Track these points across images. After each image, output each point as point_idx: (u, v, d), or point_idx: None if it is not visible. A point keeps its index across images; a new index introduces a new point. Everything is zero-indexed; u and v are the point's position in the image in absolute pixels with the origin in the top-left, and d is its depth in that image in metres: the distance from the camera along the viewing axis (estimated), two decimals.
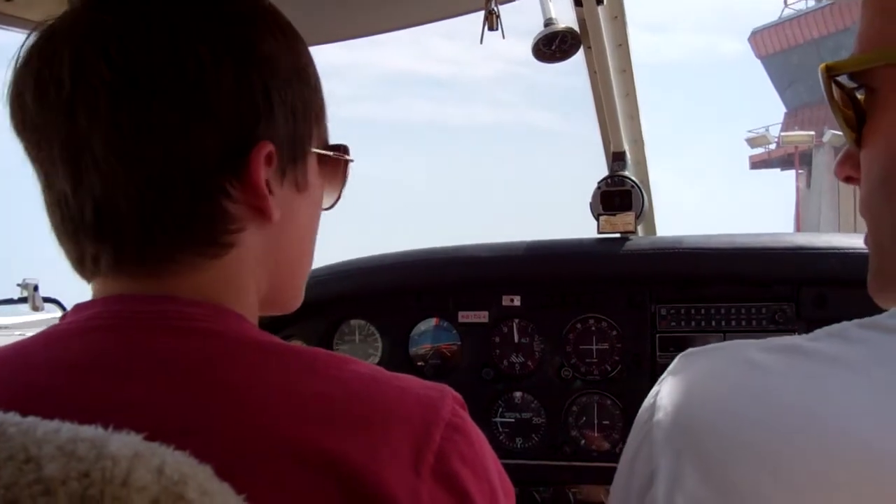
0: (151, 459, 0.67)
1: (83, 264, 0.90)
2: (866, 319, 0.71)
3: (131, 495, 0.64)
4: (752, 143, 35.65)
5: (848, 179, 0.87)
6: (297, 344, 0.93)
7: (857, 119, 0.83)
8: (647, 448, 0.75)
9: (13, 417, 0.69)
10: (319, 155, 1.02)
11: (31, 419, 0.69)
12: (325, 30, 1.73)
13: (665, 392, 0.75)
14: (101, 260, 0.88)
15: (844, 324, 0.72)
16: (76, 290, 0.97)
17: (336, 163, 1.07)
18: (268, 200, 0.91)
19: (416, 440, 0.82)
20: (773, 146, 34.87)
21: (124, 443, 0.67)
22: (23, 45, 0.90)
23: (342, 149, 1.07)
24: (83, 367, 0.83)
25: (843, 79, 0.83)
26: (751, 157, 36.82)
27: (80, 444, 0.66)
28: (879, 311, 0.75)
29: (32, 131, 0.87)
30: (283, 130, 0.92)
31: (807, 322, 2.04)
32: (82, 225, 0.87)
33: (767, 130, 35.67)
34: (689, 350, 0.80)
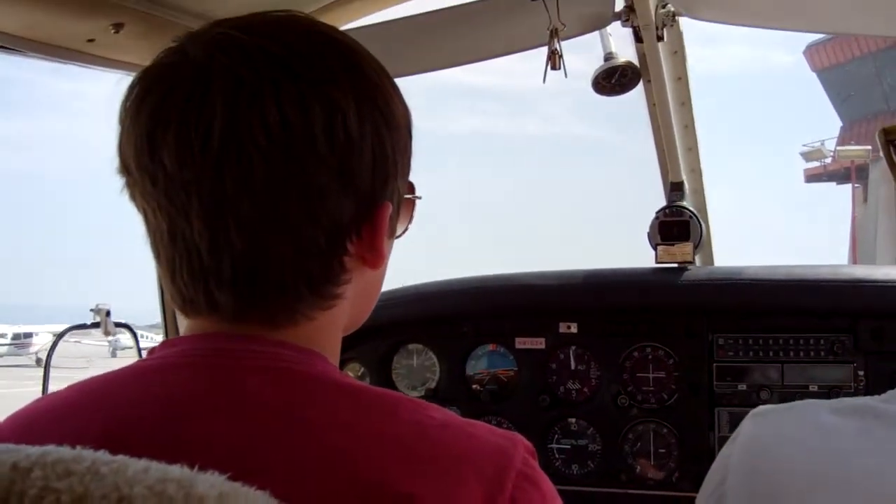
0: (237, 500, 0.69)
1: (194, 305, 0.91)
2: None
3: None
4: (808, 156, 35.14)
5: None
6: (352, 367, 0.94)
7: None
8: None
9: (104, 456, 0.71)
10: (405, 199, 1.03)
11: (121, 458, 0.71)
12: (404, 63, 1.76)
13: (737, 456, 0.76)
14: (223, 307, 0.90)
15: None
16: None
17: (409, 204, 1.08)
18: (383, 255, 0.95)
19: (489, 487, 0.83)
20: (828, 160, 34.35)
21: (210, 483, 0.70)
22: (135, 88, 0.89)
23: (412, 188, 1.08)
24: (171, 403, 0.85)
25: None
26: (805, 171, 36.29)
27: (169, 485, 0.68)
28: None
29: (164, 184, 0.86)
30: (399, 188, 0.96)
31: (864, 354, 2.03)
32: (217, 277, 0.88)
33: (823, 144, 35.11)
34: (758, 410, 0.80)
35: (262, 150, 0.83)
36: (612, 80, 1.95)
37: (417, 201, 1.10)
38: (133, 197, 0.92)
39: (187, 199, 0.85)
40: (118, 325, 2.33)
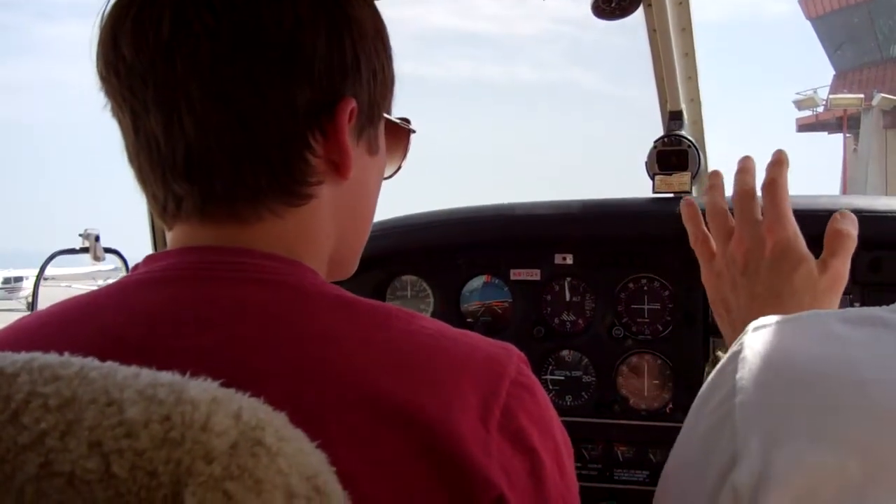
0: (229, 405, 0.68)
1: (166, 208, 0.93)
2: None
3: (212, 440, 0.65)
4: (800, 105, 35.12)
5: None
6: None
7: None
8: (729, 429, 0.73)
9: (93, 362, 0.70)
10: (388, 122, 1.06)
11: (110, 364, 0.71)
12: None
13: (746, 371, 0.73)
14: (185, 203, 0.91)
15: None
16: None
17: (401, 132, 1.11)
18: (348, 156, 0.94)
19: (484, 395, 0.83)
20: (820, 109, 34.35)
21: (202, 388, 0.69)
22: None
23: (406, 120, 1.11)
24: (159, 317, 0.85)
25: None
26: (798, 120, 36.30)
27: (160, 389, 0.68)
28: None
29: (126, 75, 0.88)
30: (365, 91, 0.96)
31: (861, 286, 2.01)
32: (172, 167, 0.89)
33: (815, 93, 35.09)
34: (759, 322, 0.77)
35: (208, 30, 0.85)
36: (613, 2, 1.90)
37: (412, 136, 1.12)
38: (108, 102, 0.93)
39: (144, 86, 0.87)
40: (107, 250, 2.31)
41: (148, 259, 0.94)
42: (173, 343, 0.82)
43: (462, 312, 2.33)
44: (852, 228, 1.29)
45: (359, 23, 0.94)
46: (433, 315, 2.33)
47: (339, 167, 0.95)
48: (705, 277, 1.44)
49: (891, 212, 1.96)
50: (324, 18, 0.91)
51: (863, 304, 1.98)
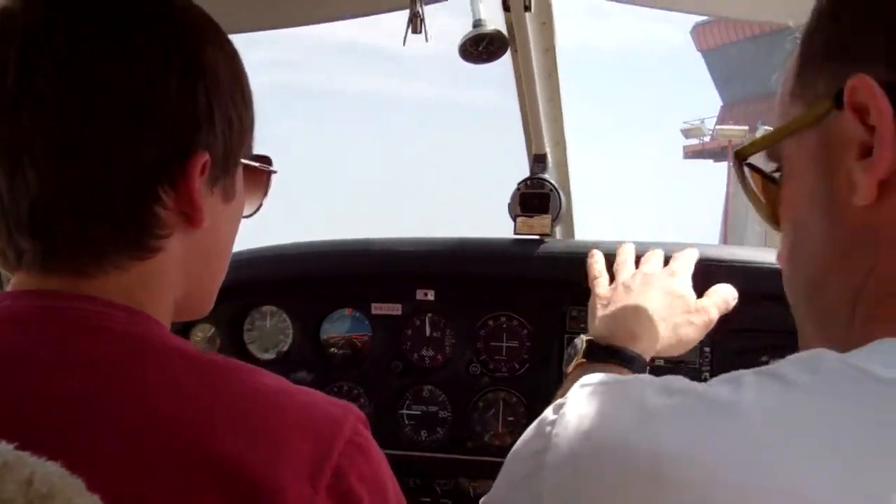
0: (21, 471, 0.66)
1: (7, 259, 0.90)
2: (764, 368, 0.72)
3: None
4: (688, 133, 36.16)
5: None
6: (210, 351, 0.94)
7: (769, 201, 0.89)
8: (535, 483, 0.75)
9: None
10: (245, 165, 1.04)
11: None
12: (244, 18, 1.71)
13: (560, 430, 0.75)
14: (26, 256, 0.88)
15: (741, 371, 0.73)
16: None
17: (260, 173, 1.09)
18: (199, 208, 0.92)
19: (317, 455, 0.83)
20: (707, 138, 35.37)
21: None
22: None
23: (267, 160, 1.09)
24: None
25: (758, 162, 0.88)
26: (685, 147, 37.30)
27: None
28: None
29: None
30: (219, 141, 0.94)
31: (711, 331, 2.07)
32: (17, 222, 0.86)
33: (703, 122, 36.14)
34: (586, 380, 0.80)
35: (53, 85, 0.83)
36: (480, 47, 1.92)
37: (273, 175, 1.11)
38: None
39: None
40: None
41: None
42: (4, 384, 0.80)
43: (322, 343, 2.32)
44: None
45: (213, 72, 0.92)
46: (291, 345, 2.32)
47: (190, 219, 0.93)
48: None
49: (746, 262, 2.01)
50: (176, 71, 0.88)
51: (712, 349, 2.04)
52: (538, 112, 2.16)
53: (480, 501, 0.92)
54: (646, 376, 0.81)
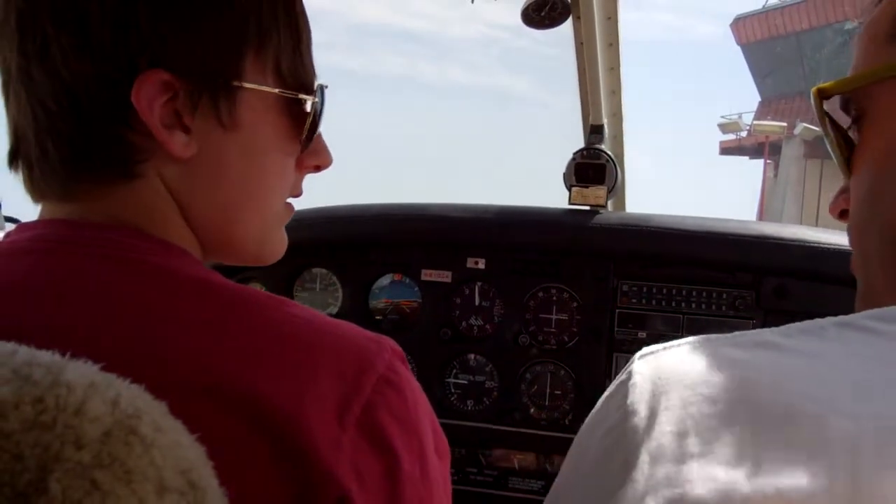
0: (107, 391, 0.65)
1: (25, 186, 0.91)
2: (840, 318, 0.70)
3: (84, 425, 0.62)
4: (724, 128, 35.81)
5: (842, 215, 0.88)
6: (254, 286, 0.92)
7: (847, 146, 0.85)
8: (622, 451, 0.73)
9: None
10: (263, 92, 0.92)
11: None
12: None
13: (636, 396, 0.73)
14: (25, 178, 0.89)
15: (818, 321, 0.71)
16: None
17: (293, 104, 0.96)
18: (161, 133, 0.85)
19: (345, 390, 0.79)
20: (744, 133, 35.04)
21: (81, 372, 0.65)
22: None
23: (306, 89, 0.96)
24: (21, 289, 0.81)
25: (832, 107, 0.84)
26: (721, 143, 36.99)
27: (36, 369, 0.65)
28: (838, 305, 0.75)
29: None
30: (194, 56, 0.86)
31: (765, 311, 2.06)
32: (10, 149, 0.89)
33: (740, 117, 35.81)
34: (646, 350, 0.77)
35: (18, 10, 0.84)
36: (542, 12, 1.91)
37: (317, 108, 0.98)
38: None
39: None
40: (7, 219, 2.25)
41: (20, 228, 0.90)
42: (28, 317, 0.78)
43: (370, 309, 2.32)
44: None
45: None
46: (340, 310, 2.33)
47: (162, 144, 0.86)
48: None
49: (797, 241, 2.00)
50: None
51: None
52: (598, 81, 2.14)
53: (556, 484, 0.84)
54: (711, 335, 0.78)
